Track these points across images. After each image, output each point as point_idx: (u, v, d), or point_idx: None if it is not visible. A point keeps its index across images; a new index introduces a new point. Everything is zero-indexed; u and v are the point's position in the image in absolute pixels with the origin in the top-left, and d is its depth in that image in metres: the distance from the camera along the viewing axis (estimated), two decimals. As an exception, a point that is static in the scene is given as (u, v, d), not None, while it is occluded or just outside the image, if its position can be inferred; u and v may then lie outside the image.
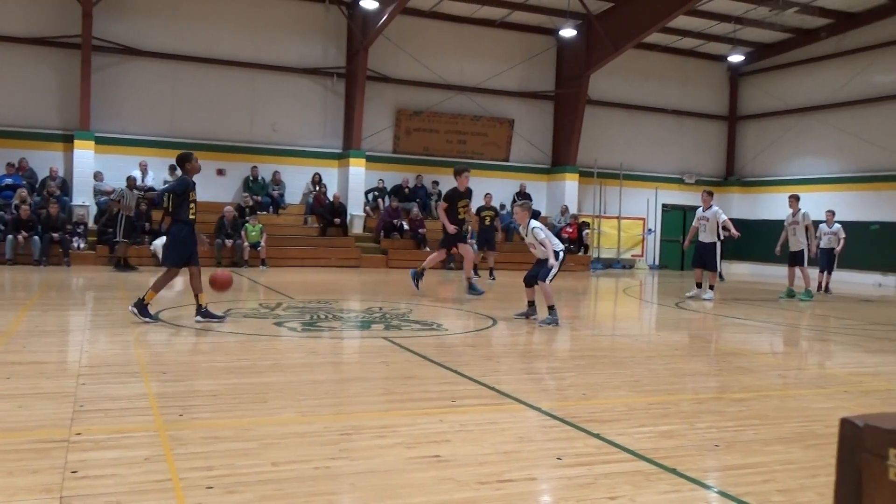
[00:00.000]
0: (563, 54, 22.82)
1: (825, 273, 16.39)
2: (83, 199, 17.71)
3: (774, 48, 23.66)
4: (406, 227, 20.09)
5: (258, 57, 19.93)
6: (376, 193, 21.09)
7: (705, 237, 13.46)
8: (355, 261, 18.80)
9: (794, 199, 14.72)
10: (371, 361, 6.45)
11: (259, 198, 19.36)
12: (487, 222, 16.96)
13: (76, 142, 17.87)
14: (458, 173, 11.87)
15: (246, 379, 5.40)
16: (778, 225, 22.58)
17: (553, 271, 8.71)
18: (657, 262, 24.75)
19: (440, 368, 5.92)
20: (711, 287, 13.53)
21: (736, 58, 22.91)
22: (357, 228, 20.30)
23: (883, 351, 8.16)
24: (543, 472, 3.56)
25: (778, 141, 24.16)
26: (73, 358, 5.99)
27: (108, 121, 18.52)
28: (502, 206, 21.94)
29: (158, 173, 18.66)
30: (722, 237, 13.42)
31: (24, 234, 15.55)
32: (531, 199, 18.35)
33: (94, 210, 17.75)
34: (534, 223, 8.97)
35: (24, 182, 17.06)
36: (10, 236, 15.46)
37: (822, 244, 16.10)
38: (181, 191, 7.83)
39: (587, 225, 22.67)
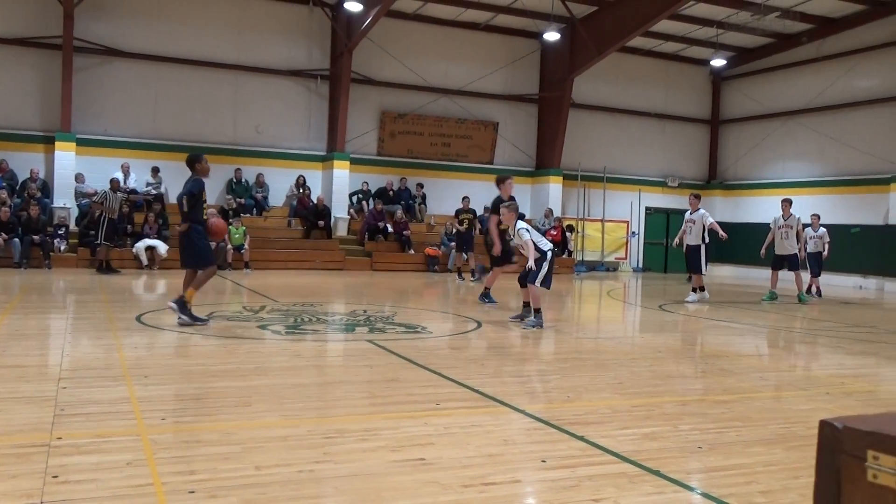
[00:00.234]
0: (547, 58, 22.90)
1: (815, 276, 16.53)
2: (64, 201, 17.55)
3: (756, 53, 23.87)
4: (390, 229, 20.08)
5: (242, 58, 19.85)
6: (360, 196, 21.05)
7: (691, 240, 13.56)
8: (339, 263, 18.75)
9: (788, 203, 14.76)
10: (355, 364, 6.44)
11: (242, 200, 19.29)
12: (466, 225, 17.05)
13: (57, 143, 17.71)
14: (501, 181, 11.05)
15: (229, 382, 5.37)
16: (760, 228, 22.83)
17: (540, 273, 8.71)
18: (641, 265, 24.87)
19: (424, 371, 5.91)
20: (695, 290, 13.61)
21: (718, 62, 23.11)
22: (341, 231, 20.25)
23: (864, 353, 8.24)
24: (528, 474, 3.57)
25: (760, 145, 24.36)
26: (54, 361, 5.93)
27: (90, 122, 18.38)
28: (486, 209, 21.97)
29: (141, 175, 18.53)
30: (707, 240, 13.49)
31: (4, 236, 15.41)
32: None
33: (75, 212, 17.60)
34: (520, 224, 8.99)
35: (5, 184, 16.87)
36: (-10, 238, 15.32)
37: (809, 248, 16.24)
38: (198, 192, 8.01)
39: (572, 228, 22.74)
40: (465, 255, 17.06)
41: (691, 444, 4.12)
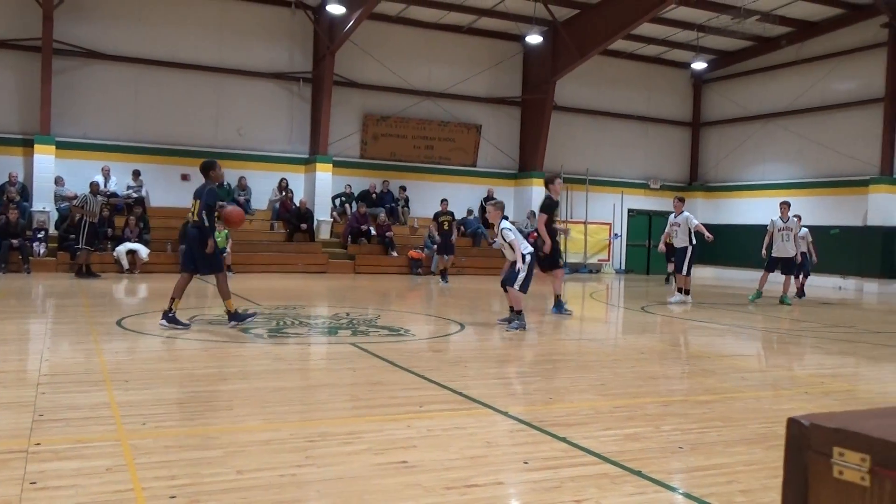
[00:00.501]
0: (530, 60, 22.97)
1: (801, 277, 16.65)
2: (44, 204, 17.37)
3: (736, 56, 24.07)
4: (373, 232, 20.04)
5: (223, 61, 19.75)
6: (343, 199, 21.01)
7: (677, 242, 13.68)
8: (322, 266, 18.69)
9: (786, 206, 14.68)
10: (338, 367, 6.42)
11: (225, 203, 19.16)
12: (446, 227, 17.10)
13: (36, 146, 17.53)
14: (550, 181, 10.94)
15: (211, 386, 5.34)
16: (741, 229, 23.06)
17: (522, 275, 8.73)
18: (623, 267, 24.99)
19: (407, 374, 5.91)
20: (680, 290, 13.70)
21: (699, 65, 23.28)
22: (324, 234, 20.20)
23: (842, 353, 8.33)
24: (510, 476, 3.58)
25: (740, 147, 24.56)
26: (33, 367, 5.87)
27: (70, 125, 18.21)
28: (469, 212, 22.02)
29: (121, 178, 18.38)
30: (694, 242, 13.55)
31: (-18, 240, 15.24)
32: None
33: (54, 216, 17.43)
34: (505, 224, 9.03)
35: (-17, 187, 16.72)
36: (-33, 243, 15.13)
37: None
38: (213, 205, 8.23)
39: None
40: (445, 256, 17.10)
41: (673, 445, 4.14)
